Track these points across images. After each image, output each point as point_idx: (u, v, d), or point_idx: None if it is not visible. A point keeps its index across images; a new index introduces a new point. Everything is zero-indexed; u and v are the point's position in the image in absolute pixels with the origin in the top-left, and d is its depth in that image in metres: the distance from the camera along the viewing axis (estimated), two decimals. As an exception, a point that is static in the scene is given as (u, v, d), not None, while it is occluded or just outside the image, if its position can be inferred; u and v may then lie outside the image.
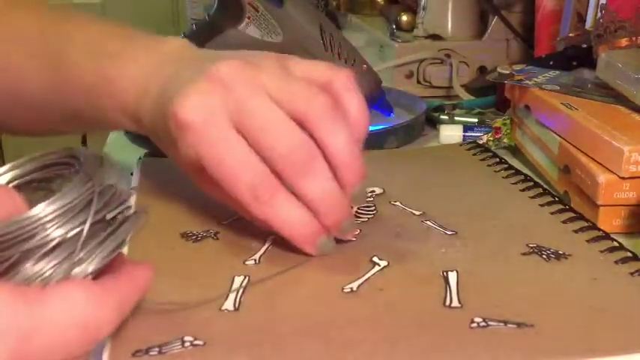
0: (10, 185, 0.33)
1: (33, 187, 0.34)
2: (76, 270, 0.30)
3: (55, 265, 0.29)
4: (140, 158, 0.61)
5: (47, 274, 0.29)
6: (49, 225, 0.29)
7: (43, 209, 0.29)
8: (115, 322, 0.32)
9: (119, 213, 0.32)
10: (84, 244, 0.30)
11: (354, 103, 0.44)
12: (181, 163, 0.45)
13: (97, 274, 0.31)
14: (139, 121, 0.47)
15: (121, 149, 0.69)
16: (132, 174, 0.58)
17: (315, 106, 0.41)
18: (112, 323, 0.31)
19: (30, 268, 0.29)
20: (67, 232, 0.30)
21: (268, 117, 0.40)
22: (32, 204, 0.29)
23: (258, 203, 0.41)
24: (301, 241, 0.42)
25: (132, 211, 0.33)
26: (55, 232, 0.29)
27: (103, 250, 0.31)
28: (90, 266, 0.30)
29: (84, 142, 0.76)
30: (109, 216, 0.31)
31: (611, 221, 0.49)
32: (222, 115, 0.40)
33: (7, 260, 0.29)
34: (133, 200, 0.49)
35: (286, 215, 0.41)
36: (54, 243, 0.29)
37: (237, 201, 0.41)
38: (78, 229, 0.30)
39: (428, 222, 0.49)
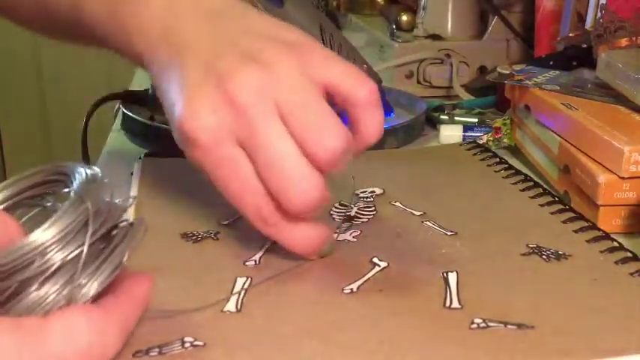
0: (1, 207, 0.33)
1: (25, 205, 0.33)
2: (78, 293, 0.29)
3: (56, 290, 0.29)
4: (140, 158, 0.61)
5: (50, 299, 0.29)
6: (47, 251, 0.29)
7: (39, 235, 0.29)
8: (120, 344, 0.31)
9: (116, 227, 0.32)
10: (84, 266, 0.30)
11: (372, 124, 0.41)
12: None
13: (99, 293, 0.31)
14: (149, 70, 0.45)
15: (121, 149, 0.69)
16: (132, 174, 0.58)
17: (327, 152, 0.38)
18: (116, 345, 0.31)
19: (32, 295, 0.29)
20: (66, 256, 0.29)
21: (279, 153, 0.38)
22: (25, 224, 0.29)
23: (264, 225, 0.40)
24: (307, 255, 0.42)
25: (129, 222, 0.32)
26: (54, 257, 0.29)
27: (104, 271, 0.30)
28: (92, 289, 0.30)
29: (84, 141, 0.76)
30: (106, 233, 0.31)
31: (611, 221, 0.49)
32: (232, 138, 0.39)
33: (7, 289, 0.29)
34: (132, 210, 0.49)
35: (292, 235, 0.41)
36: (54, 268, 0.29)
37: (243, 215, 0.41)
38: (77, 252, 0.29)
39: (428, 222, 0.49)
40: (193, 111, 0.39)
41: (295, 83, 0.39)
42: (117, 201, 0.32)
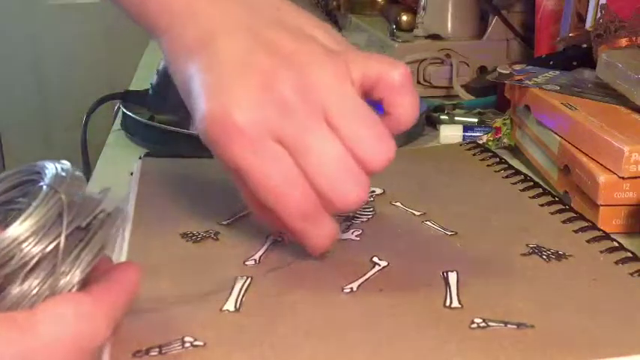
0: None
1: (3, 210, 0.33)
2: (62, 283, 0.29)
3: (39, 282, 0.29)
4: (140, 158, 0.61)
5: (34, 292, 0.29)
6: (24, 244, 0.29)
7: (15, 230, 0.29)
8: (108, 332, 0.31)
9: (93, 218, 0.31)
10: (64, 256, 0.30)
11: (408, 107, 0.42)
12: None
13: (85, 283, 0.31)
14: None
15: (121, 149, 0.69)
16: (132, 174, 0.58)
17: (380, 162, 0.40)
18: (105, 333, 0.31)
19: (15, 290, 0.29)
20: (44, 248, 0.29)
21: (330, 156, 0.38)
22: (5, 227, 0.29)
23: (302, 219, 0.39)
24: (322, 250, 0.42)
25: (107, 212, 0.32)
26: (33, 250, 0.29)
27: (84, 259, 0.30)
28: (75, 277, 0.30)
29: (84, 141, 0.76)
30: (83, 223, 0.31)
31: (611, 221, 0.49)
32: (274, 134, 0.38)
33: None
34: (131, 210, 0.49)
35: (322, 231, 0.40)
36: (34, 261, 0.29)
37: (278, 216, 0.39)
38: (55, 243, 0.29)
39: (428, 222, 0.49)
40: (236, 103, 0.37)
41: (341, 89, 0.39)
42: (93, 194, 0.32)
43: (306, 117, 0.38)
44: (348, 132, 0.38)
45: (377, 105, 0.72)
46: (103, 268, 0.32)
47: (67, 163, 0.33)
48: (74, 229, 0.30)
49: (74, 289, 0.30)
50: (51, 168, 0.32)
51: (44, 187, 0.31)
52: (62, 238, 0.29)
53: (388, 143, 0.40)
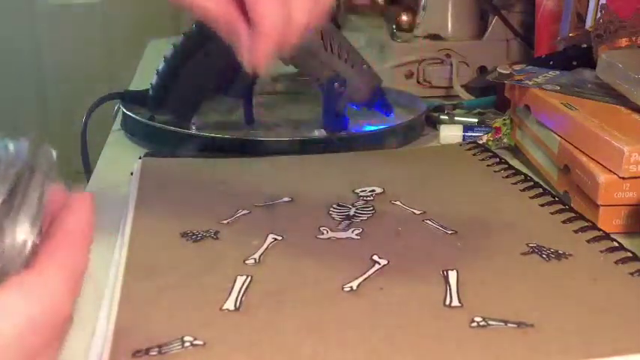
0: None
1: None
2: (8, 243, 0.27)
3: None
4: (140, 158, 0.61)
5: None
6: None
7: None
8: (71, 291, 0.28)
9: (24, 168, 0.29)
10: (5, 214, 0.27)
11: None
12: None
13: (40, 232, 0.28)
14: None
15: (121, 149, 0.69)
16: (132, 174, 0.58)
17: None
18: (66, 296, 0.28)
19: None
20: None
21: None
22: None
23: None
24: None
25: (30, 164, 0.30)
26: None
27: (27, 212, 0.28)
28: (21, 234, 0.27)
29: (84, 141, 0.76)
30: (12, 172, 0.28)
31: (611, 221, 0.49)
32: None
33: None
34: (132, 209, 0.49)
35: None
36: None
37: None
38: None
39: (428, 221, 0.49)
40: None
41: None
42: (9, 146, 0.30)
43: None
44: None
45: (379, 109, 0.73)
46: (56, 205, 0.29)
47: None
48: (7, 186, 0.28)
49: (27, 255, 0.27)
50: None
51: None
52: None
53: None
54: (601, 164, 0.49)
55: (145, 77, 0.86)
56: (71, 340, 0.36)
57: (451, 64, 0.87)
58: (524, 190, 0.54)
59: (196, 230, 0.47)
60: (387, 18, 1.10)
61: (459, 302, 0.38)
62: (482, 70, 0.89)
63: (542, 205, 0.51)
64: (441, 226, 0.48)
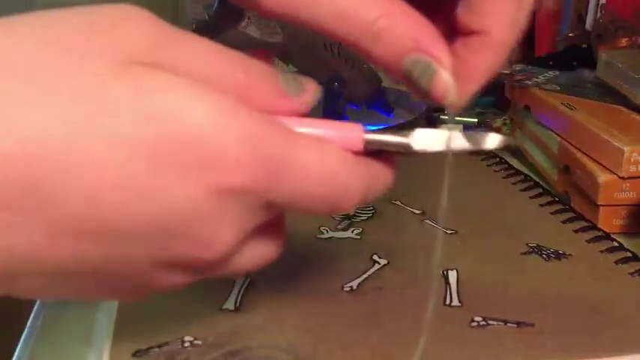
0: None
1: None
2: None
3: None
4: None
5: None
6: None
7: None
8: (357, 200, 0.27)
9: None
10: None
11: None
12: None
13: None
14: None
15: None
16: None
17: None
18: (355, 198, 0.26)
19: None
20: None
21: None
22: None
23: None
24: None
25: None
26: None
27: None
28: None
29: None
30: None
31: (611, 221, 0.49)
32: None
33: None
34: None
35: None
36: None
37: None
38: None
39: (428, 221, 0.49)
40: None
41: None
42: None
43: None
44: None
45: (379, 109, 0.72)
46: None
47: None
48: None
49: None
50: None
51: None
52: None
53: None
54: (601, 164, 0.49)
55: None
56: (71, 340, 0.36)
57: (451, 64, 0.87)
58: (524, 190, 0.54)
59: (196, 230, 0.47)
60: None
61: (459, 302, 0.38)
62: (482, 70, 0.88)
63: (542, 205, 0.51)
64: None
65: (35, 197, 0.21)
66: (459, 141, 0.29)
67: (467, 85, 0.30)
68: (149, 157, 0.22)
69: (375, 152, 0.29)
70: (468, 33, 0.29)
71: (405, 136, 0.28)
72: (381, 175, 0.29)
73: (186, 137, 0.22)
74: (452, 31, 0.30)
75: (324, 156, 0.25)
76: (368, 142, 0.28)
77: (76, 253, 0.22)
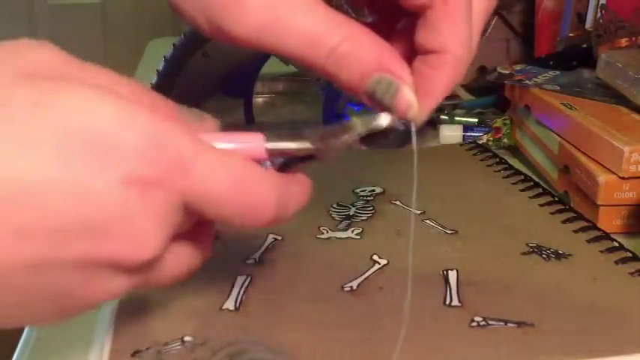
0: None
1: None
2: None
3: None
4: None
5: None
6: None
7: None
8: (271, 212, 0.27)
9: None
10: None
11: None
12: None
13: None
14: None
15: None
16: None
17: None
18: (269, 209, 0.27)
19: None
20: None
21: None
22: None
23: None
24: None
25: None
26: None
27: None
28: None
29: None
30: None
31: (611, 221, 0.49)
32: None
33: None
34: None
35: None
36: None
37: None
38: None
39: (428, 221, 0.49)
40: None
41: None
42: None
43: None
44: None
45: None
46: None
47: None
48: None
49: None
50: None
51: None
52: None
53: None
54: (601, 164, 0.49)
55: (145, 77, 0.86)
56: (71, 340, 0.36)
57: (451, 64, 0.87)
58: (524, 190, 0.54)
59: (196, 230, 0.47)
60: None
61: (459, 302, 0.38)
62: (482, 70, 0.89)
63: (542, 205, 0.51)
64: (441, 226, 0.48)
65: None
66: (360, 127, 0.31)
67: (428, 100, 0.32)
68: (59, 153, 0.23)
69: (288, 169, 0.30)
70: (426, 52, 0.30)
71: (306, 139, 0.28)
72: (294, 192, 0.29)
73: (92, 130, 0.23)
74: (410, 51, 0.31)
75: (229, 158, 0.26)
76: (270, 151, 0.28)
77: (4, 256, 0.23)
